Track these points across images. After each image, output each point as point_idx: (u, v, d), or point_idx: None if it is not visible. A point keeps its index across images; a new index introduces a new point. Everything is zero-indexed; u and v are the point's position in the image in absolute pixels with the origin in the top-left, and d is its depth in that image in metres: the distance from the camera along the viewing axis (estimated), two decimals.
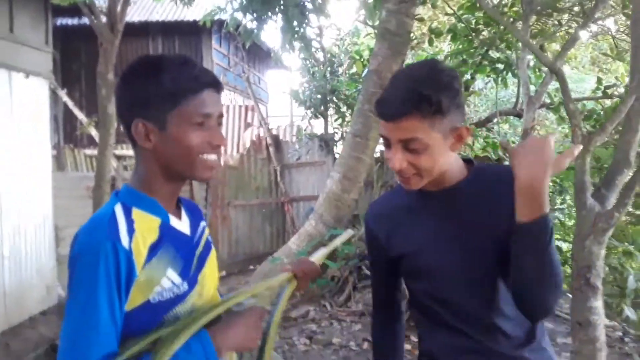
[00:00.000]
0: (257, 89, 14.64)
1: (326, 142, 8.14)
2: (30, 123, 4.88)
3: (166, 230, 1.11)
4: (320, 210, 5.96)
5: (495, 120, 7.90)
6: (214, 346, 1.06)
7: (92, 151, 9.31)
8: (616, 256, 5.01)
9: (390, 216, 1.38)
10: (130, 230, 1.04)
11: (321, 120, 9.49)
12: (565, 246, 6.31)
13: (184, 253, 1.13)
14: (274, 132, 8.75)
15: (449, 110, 1.16)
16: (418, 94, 1.13)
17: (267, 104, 17.47)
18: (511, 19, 5.33)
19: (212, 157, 1.13)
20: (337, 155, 7.16)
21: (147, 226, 1.08)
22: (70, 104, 9.00)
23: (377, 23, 6.53)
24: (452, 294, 1.29)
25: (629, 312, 4.51)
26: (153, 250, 1.06)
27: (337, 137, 8.59)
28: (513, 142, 6.90)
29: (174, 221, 1.15)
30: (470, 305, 1.28)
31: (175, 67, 1.09)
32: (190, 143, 1.08)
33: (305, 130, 9.05)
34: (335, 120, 9.22)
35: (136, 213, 1.08)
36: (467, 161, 1.34)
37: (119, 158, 8.69)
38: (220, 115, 1.15)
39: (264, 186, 8.21)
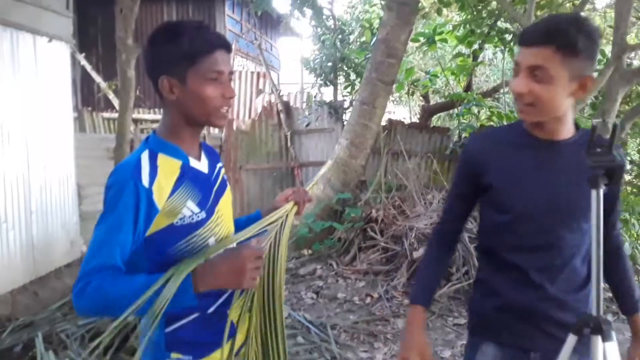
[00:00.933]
0: (268, 56, 14.70)
1: (335, 109, 8.25)
2: (53, 86, 5.08)
3: (186, 170, 1.34)
4: (329, 174, 6.20)
5: (502, 90, 8.03)
6: (192, 280, 1.17)
7: (109, 114, 9.56)
8: None
9: (496, 146, 1.47)
10: (153, 174, 1.26)
11: (331, 87, 9.59)
12: None
13: (202, 188, 1.36)
14: (285, 98, 8.87)
15: (582, 54, 1.26)
16: (558, 27, 1.26)
17: (279, 71, 17.54)
18: None
19: (225, 106, 1.35)
20: (345, 122, 7.28)
21: (170, 168, 1.30)
22: (88, 67, 9.18)
23: None
24: (529, 234, 1.40)
25: None
26: (175, 185, 1.30)
27: (346, 105, 8.66)
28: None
29: (193, 162, 1.37)
30: (542, 250, 1.40)
31: (192, 31, 1.30)
32: (206, 95, 1.30)
33: (315, 97, 9.17)
34: (345, 88, 9.30)
35: (161, 158, 1.30)
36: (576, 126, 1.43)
37: (135, 122, 8.90)
38: (231, 72, 1.36)
39: (275, 151, 8.40)
